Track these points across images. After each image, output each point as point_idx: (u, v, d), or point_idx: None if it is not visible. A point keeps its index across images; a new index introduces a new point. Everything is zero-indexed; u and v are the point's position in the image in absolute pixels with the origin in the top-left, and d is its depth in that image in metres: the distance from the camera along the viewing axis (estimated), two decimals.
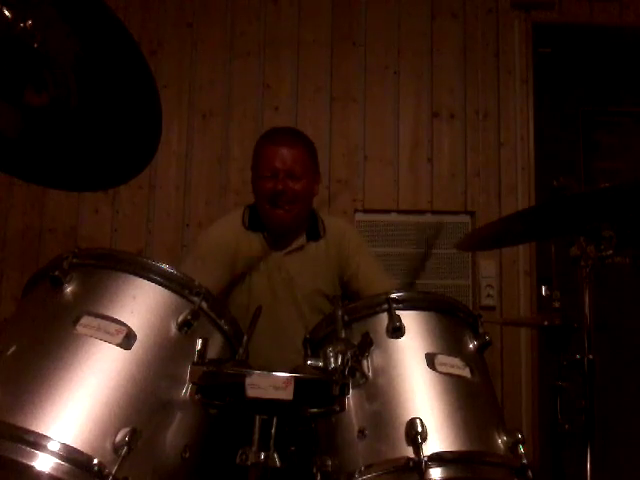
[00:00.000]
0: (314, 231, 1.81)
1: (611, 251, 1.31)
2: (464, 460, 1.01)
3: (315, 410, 1.01)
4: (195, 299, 1.08)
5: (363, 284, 1.76)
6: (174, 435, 1.00)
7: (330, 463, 1.04)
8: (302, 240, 1.78)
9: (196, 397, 1.01)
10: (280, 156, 1.71)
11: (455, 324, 1.21)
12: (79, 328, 0.98)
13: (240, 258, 1.76)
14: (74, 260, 1.08)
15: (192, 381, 1.01)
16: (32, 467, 0.83)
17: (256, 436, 0.94)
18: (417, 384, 1.08)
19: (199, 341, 1.04)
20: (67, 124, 1.15)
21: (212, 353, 1.07)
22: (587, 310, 1.34)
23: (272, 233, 1.78)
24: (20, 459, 0.83)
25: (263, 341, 1.48)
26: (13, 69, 1.04)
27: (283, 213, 1.72)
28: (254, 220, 1.80)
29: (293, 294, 1.75)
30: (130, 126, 1.18)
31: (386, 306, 1.16)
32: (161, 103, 1.14)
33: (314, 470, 1.05)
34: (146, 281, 1.07)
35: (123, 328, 1.00)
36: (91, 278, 1.08)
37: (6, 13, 0.93)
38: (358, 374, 1.05)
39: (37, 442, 0.85)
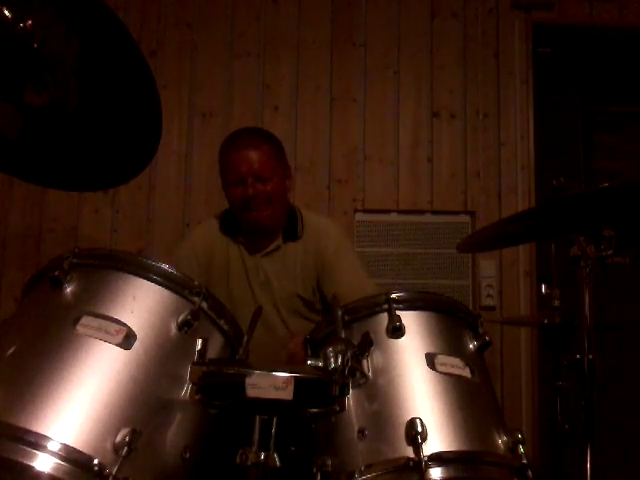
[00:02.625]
0: (292, 231, 1.75)
1: (611, 251, 1.31)
2: (464, 460, 1.01)
3: (315, 410, 1.01)
4: (195, 299, 1.08)
5: (340, 289, 1.61)
6: (174, 435, 1.00)
7: (330, 463, 1.04)
8: (279, 241, 1.74)
9: (196, 397, 1.01)
10: (245, 160, 1.66)
11: (455, 324, 1.21)
12: (79, 328, 0.98)
13: (216, 263, 1.75)
14: (74, 260, 1.07)
15: (192, 381, 1.01)
16: (32, 467, 0.83)
17: (256, 436, 0.94)
18: (417, 384, 1.08)
19: (199, 341, 1.04)
20: (67, 124, 1.15)
21: (212, 353, 1.07)
22: (587, 310, 1.34)
23: (249, 236, 1.75)
24: (20, 459, 0.83)
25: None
26: (13, 69, 1.04)
27: (258, 215, 1.68)
28: (230, 224, 1.78)
29: (272, 297, 1.72)
30: (130, 126, 1.18)
31: (386, 306, 1.16)
32: (161, 103, 1.14)
33: (314, 470, 1.05)
34: (146, 281, 1.07)
35: (123, 328, 1.00)
36: (91, 278, 1.08)
37: (6, 13, 0.93)
38: (358, 374, 1.05)
39: (37, 442, 0.85)
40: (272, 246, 1.74)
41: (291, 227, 1.76)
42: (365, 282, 1.73)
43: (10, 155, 1.20)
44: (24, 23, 0.94)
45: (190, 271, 1.67)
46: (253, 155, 1.66)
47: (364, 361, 1.08)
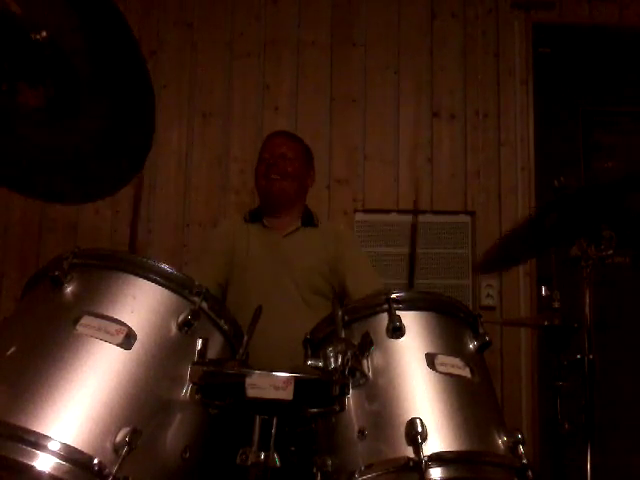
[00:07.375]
0: (309, 220, 1.97)
1: (611, 251, 1.31)
2: (464, 460, 1.01)
3: (315, 410, 1.01)
4: (195, 299, 1.08)
5: (352, 280, 1.85)
6: (174, 435, 1.00)
7: (330, 463, 1.04)
8: (297, 224, 1.94)
9: (196, 397, 1.01)
10: (277, 143, 1.97)
11: (455, 324, 1.21)
12: (79, 328, 0.98)
13: (239, 244, 1.90)
14: (74, 260, 1.07)
15: (192, 381, 1.01)
16: (33, 467, 0.83)
17: (256, 436, 0.94)
18: (417, 384, 1.08)
19: (199, 341, 1.04)
20: (66, 124, 1.15)
21: (212, 353, 1.07)
22: (587, 310, 1.34)
23: (269, 217, 1.93)
24: (21, 459, 0.83)
25: (268, 322, 1.49)
26: (11, 66, 1.03)
27: (273, 184, 1.90)
28: (255, 214, 1.98)
29: (291, 273, 1.85)
30: (126, 128, 1.17)
31: (386, 306, 1.16)
32: (161, 103, 1.14)
33: (314, 470, 1.05)
34: (146, 281, 1.07)
35: (123, 328, 1.00)
36: (91, 278, 1.08)
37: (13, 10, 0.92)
38: (358, 374, 1.05)
39: (37, 442, 0.85)
40: (291, 228, 1.93)
41: (309, 217, 1.98)
42: (375, 277, 1.95)
43: (7, 169, 1.19)
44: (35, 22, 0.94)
45: (216, 256, 1.91)
46: (285, 141, 1.98)
47: (364, 361, 1.08)
